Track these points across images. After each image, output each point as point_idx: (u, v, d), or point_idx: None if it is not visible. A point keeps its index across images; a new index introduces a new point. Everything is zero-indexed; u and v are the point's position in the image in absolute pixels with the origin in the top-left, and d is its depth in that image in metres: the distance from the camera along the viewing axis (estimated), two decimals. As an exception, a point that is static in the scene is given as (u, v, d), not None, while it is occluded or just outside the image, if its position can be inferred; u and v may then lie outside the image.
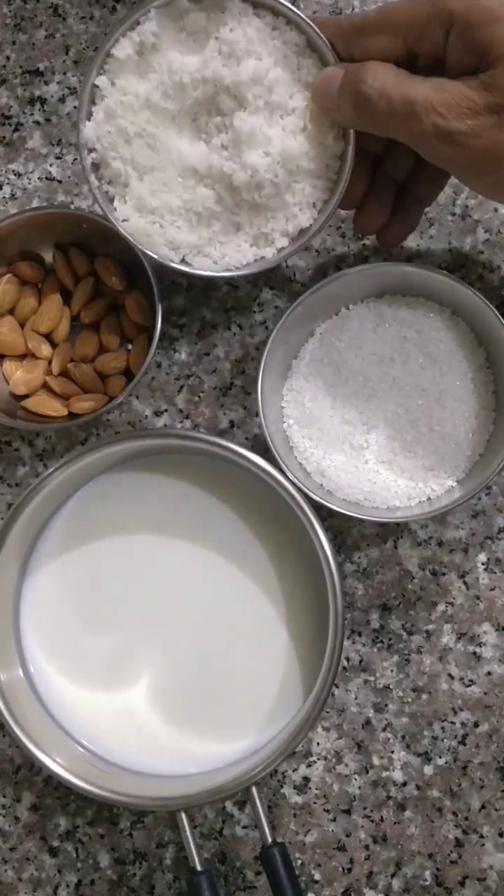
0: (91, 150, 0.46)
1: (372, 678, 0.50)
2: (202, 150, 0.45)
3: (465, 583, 0.50)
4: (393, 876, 0.49)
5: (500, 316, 0.46)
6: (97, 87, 0.45)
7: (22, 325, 0.53)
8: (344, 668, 0.50)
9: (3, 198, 0.56)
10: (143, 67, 0.45)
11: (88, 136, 0.45)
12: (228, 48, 0.44)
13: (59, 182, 0.56)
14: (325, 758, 0.50)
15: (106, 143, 0.45)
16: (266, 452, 0.46)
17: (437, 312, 0.49)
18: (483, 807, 0.49)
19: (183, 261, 0.47)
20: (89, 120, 0.45)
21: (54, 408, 0.51)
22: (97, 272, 0.52)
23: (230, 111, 0.45)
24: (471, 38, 0.39)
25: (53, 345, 0.52)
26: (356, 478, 0.48)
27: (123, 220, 0.46)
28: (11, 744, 0.51)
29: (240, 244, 0.47)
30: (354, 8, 0.55)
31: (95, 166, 0.46)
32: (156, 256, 0.46)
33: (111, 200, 0.46)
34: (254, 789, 0.44)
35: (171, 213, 0.46)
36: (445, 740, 0.49)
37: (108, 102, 0.45)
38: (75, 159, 0.56)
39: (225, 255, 0.47)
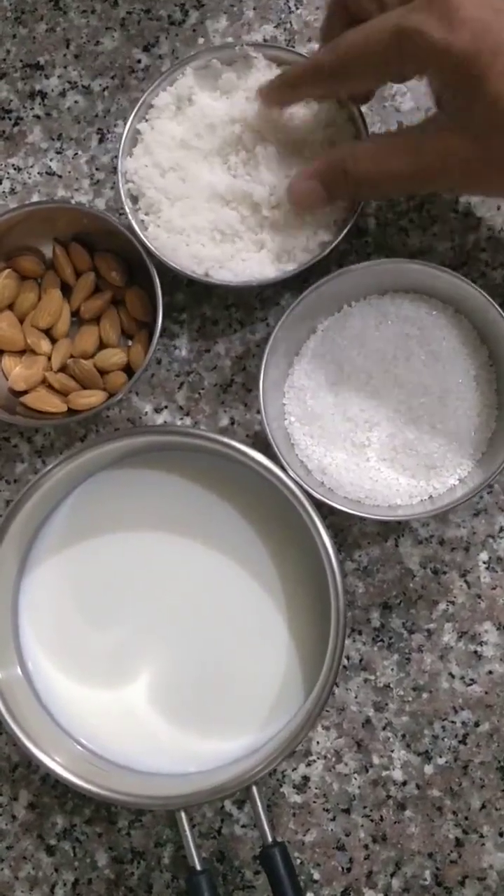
0: (129, 182, 0.50)
1: (372, 677, 0.50)
2: (228, 178, 0.49)
3: (466, 581, 0.50)
4: (393, 875, 0.49)
5: (502, 313, 0.46)
6: (138, 130, 0.50)
7: (21, 321, 0.52)
8: (344, 666, 0.50)
9: (3, 192, 0.55)
10: (179, 114, 0.51)
11: (128, 168, 0.50)
12: (254, 94, 0.49)
13: (60, 177, 0.55)
14: (325, 757, 0.50)
15: (143, 174, 0.50)
16: (267, 450, 0.46)
17: (440, 310, 0.49)
18: (483, 806, 0.49)
19: (206, 274, 0.49)
20: (130, 156, 0.50)
21: (53, 404, 0.51)
22: (97, 267, 0.52)
23: (254, 146, 0.49)
24: (443, 79, 0.40)
25: (53, 340, 0.52)
26: (357, 475, 0.48)
27: (153, 240, 0.49)
28: (9, 742, 0.51)
29: (262, 260, 0.49)
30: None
31: (132, 196, 0.50)
32: (181, 269, 0.49)
33: (145, 225, 0.50)
34: (254, 788, 0.43)
35: (197, 232, 0.49)
36: (446, 739, 0.49)
37: (147, 141, 0.50)
38: (76, 154, 0.55)
39: (247, 269, 0.49)
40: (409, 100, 0.54)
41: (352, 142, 0.47)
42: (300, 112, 0.49)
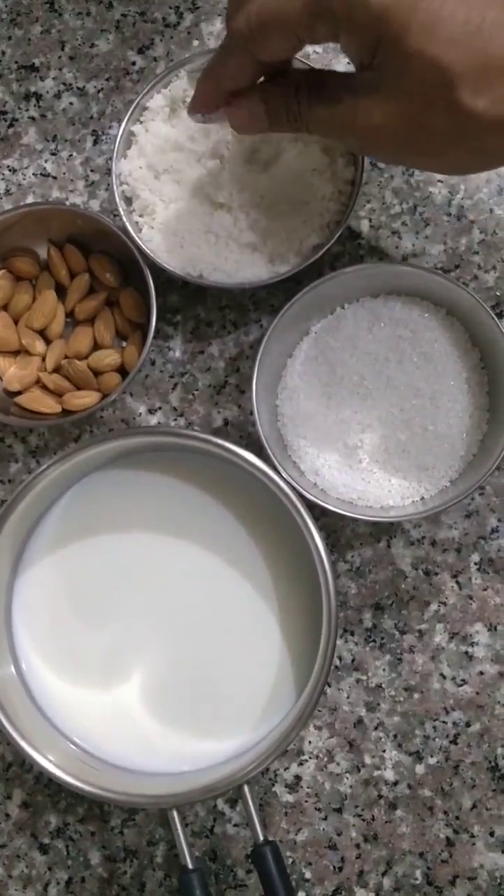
0: (123, 184, 0.50)
1: (364, 677, 0.50)
2: (221, 181, 0.49)
3: (457, 583, 0.50)
4: (384, 875, 0.49)
5: (494, 316, 0.46)
6: (132, 133, 0.50)
7: (16, 321, 0.52)
8: (336, 667, 0.50)
9: (-2, 193, 0.56)
10: (174, 117, 0.51)
11: (122, 170, 0.50)
12: None
13: (54, 178, 0.55)
14: (317, 756, 0.50)
15: (137, 176, 0.50)
16: (260, 451, 0.46)
17: (432, 312, 0.49)
18: (474, 806, 0.49)
19: (200, 276, 0.49)
20: (124, 158, 0.50)
21: (48, 404, 0.51)
22: (92, 268, 0.52)
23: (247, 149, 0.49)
24: (357, 40, 0.38)
25: (47, 341, 0.52)
26: (350, 477, 0.48)
27: (147, 241, 0.49)
28: (2, 741, 0.51)
29: (255, 262, 0.49)
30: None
31: (126, 198, 0.50)
32: (175, 271, 0.49)
33: (139, 227, 0.50)
34: (245, 787, 0.44)
35: (191, 234, 0.49)
36: (437, 740, 0.50)
37: (142, 144, 0.50)
38: (70, 155, 0.55)
39: (240, 271, 0.49)
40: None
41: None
42: None
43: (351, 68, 0.41)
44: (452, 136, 0.38)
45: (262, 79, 0.43)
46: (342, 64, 0.54)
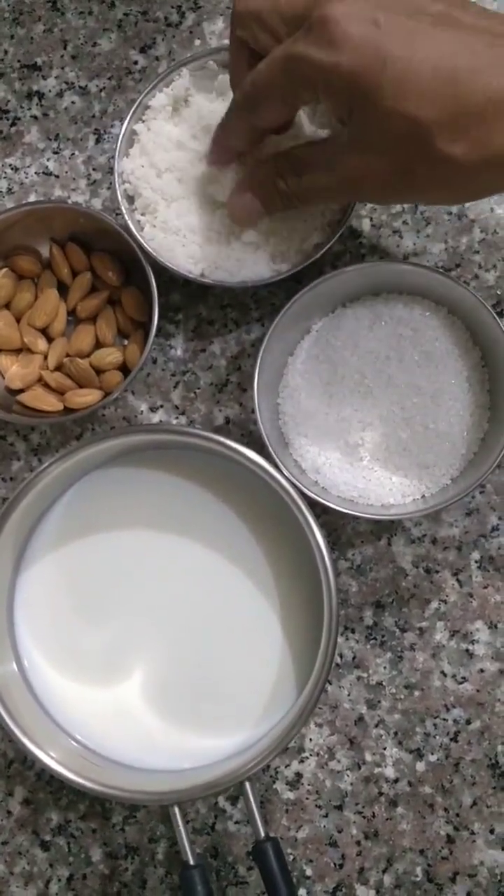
0: (125, 182, 0.50)
1: (365, 675, 0.50)
2: (223, 179, 0.49)
3: (458, 580, 0.51)
4: (384, 872, 0.49)
5: (495, 315, 0.46)
6: (135, 131, 0.50)
7: (18, 320, 0.52)
8: (337, 664, 0.50)
9: (1, 192, 0.56)
10: (176, 115, 0.51)
11: (124, 169, 0.50)
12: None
13: (56, 177, 0.56)
14: (318, 754, 0.50)
15: (139, 175, 0.50)
16: (262, 449, 0.46)
17: (433, 311, 0.49)
18: (474, 803, 0.49)
19: (201, 274, 0.49)
20: (126, 157, 0.50)
21: (50, 402, 0.51)
22: (94, 267, 0.52)
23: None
24: (333, 101, 0.39)
25: (49, 339, 0.52)
26: (351, 475, 0.48)
27: (149, 240, 0.49)
28: (4, 737, 0.51)
29: (257, 261, 0.49)
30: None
31: (129, 196, 0.50)
32: (177, 269, 0.49)
33: (141, 226, 0.50)
34: (247, 784, 0.44)
35: (193, 233, 0.49)
36: (437, 737, 0.50)
37: (144, 142, 0.50)
38: (73, 154, 0.56)
39: (242, 269, 0.49)
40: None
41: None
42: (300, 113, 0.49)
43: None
44: (436, 181, 0.39)
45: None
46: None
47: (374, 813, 0.49)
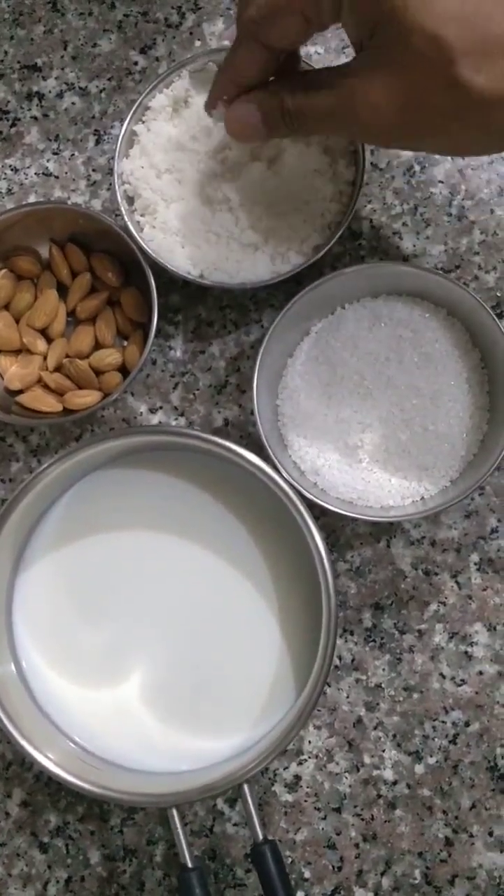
0: (125, 183, 0.50)
1: (364, 677, 0.50)
2: (223, 180, 0.49)
3: (457, 582, 0.50)
4: (383, 874, 0.49)
5: (495, 317, 0.46)
6: (134, 132, 0.50)
7: (17, 320, 0.52)
8: (336, 666, 0.50)
9: (0, 193, 0.56)
10: (176, 116, 0.51)
11: (124, 169, 0.50)
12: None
13: (56, 177, 0.56)
14: (317, 756, 0.50)
15: (139, 176, 0.50)
16: (261, 450, 0.46)
17: (433, 312, 0.49)
18: (473, 806, 0.49)
19: (201, 276, 0.49)
20: (126, 158, 0.50)
21: (49, 403, 0.51)
22: (93, 268, 0.52)
23: (248, 148, 0.49)
24: (357, 16, 0.38)
25: (49, 340, 0.52)
26: (350, 476, 0.48)
27: (149, 241, 0.49)
28: (2, 739, 0.51)
29: (256, 262, 0.49)
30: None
31: (128, 197, 0.50)
32: (176, 270, 0.49)
33: (141, 226, 0.50)
34: (245, 787, 0.44)
35: (193, 234, 0.49)
36: (436, 739, 0.50)
37: (144, 143, 0.50)
38: (72, 155, 0.56)
39: (242, 270, 0.49)
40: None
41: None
42: None
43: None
44: (453, 114, 0.37)
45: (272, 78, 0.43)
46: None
47: (372, 815, 0.49)
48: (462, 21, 0.35)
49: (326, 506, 0.46)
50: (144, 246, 0.49)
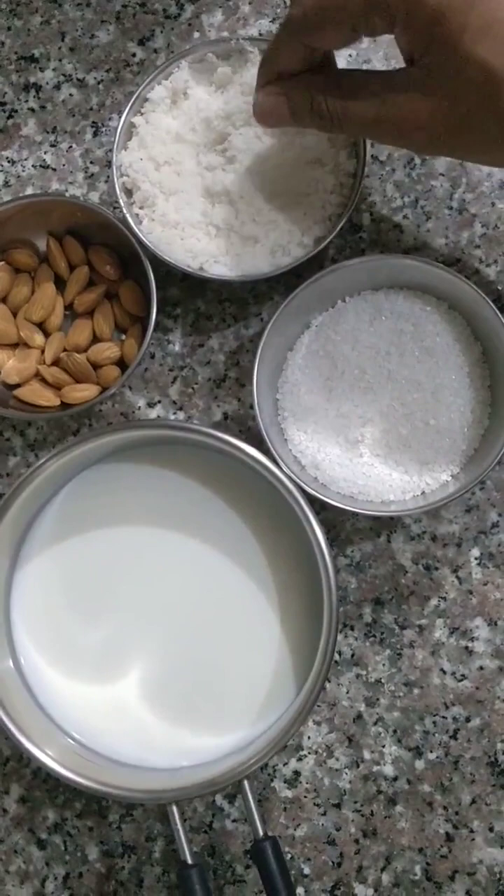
0: (123, 175, 0.50)
1: (364, 672, 0.50)
2: (222, 173, 0.49)
3: (458, 577, 0.50)
4: (383, 870, 0.49)
5: (496, 310, 0.46)
6: (133, 124, 0.50)
7: (14, 314, 0.52)
8: (336, 661, 0.50)
9: (-3, 185, 0.55)
10: (174, 108, 0.51)
11: (122, 162, 0.50)
12: (249, 88, 0.48)
13: (54, 170, 0.55)
14: (316, 752, 0.50)
15: (137, 168, 0.50)
16: (260, 445, 0.46)
17: (434, 306, 0.49)
18: (473, 801, 0.49)
19: (200, 269, 0.49)
20: (125, 150, 0.50)
21: (46, 397, 0.51)
22: (91, 261, 0.52)
23: (248, 141, 0.49)
24: (411, 36, 0.38)
25: (46, 334, 0.52)
26: (351, 471, 0.48)
27: (147, 234, 0.49)
28: (0, 735, 0.51)
29: (256, 255, 0.49)
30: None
31: (127, 189, 0.50)
32: (176, 263, 0.49)
33: (139, 219, 0.50)
34: (245, 783, 0.43)
35: (192, 226, 0.49)
36: (437, 735, 0.49)
37: (142, 135, 0.50)
38: (70, 147, 0.55)
39: (242, 263, 0.49)
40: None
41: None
42: None
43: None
44: (497, 139, 0.38)
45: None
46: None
47: (372, 811, 0.49)
48: None
49: (327, 500, 0.46)
50: (143, 238, 0.49)
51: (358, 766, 0.50)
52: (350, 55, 0.54)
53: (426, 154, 0.51)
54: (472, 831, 0.49)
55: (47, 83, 0.56)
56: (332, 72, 0.43)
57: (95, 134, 0.55)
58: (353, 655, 0.50)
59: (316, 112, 0.42)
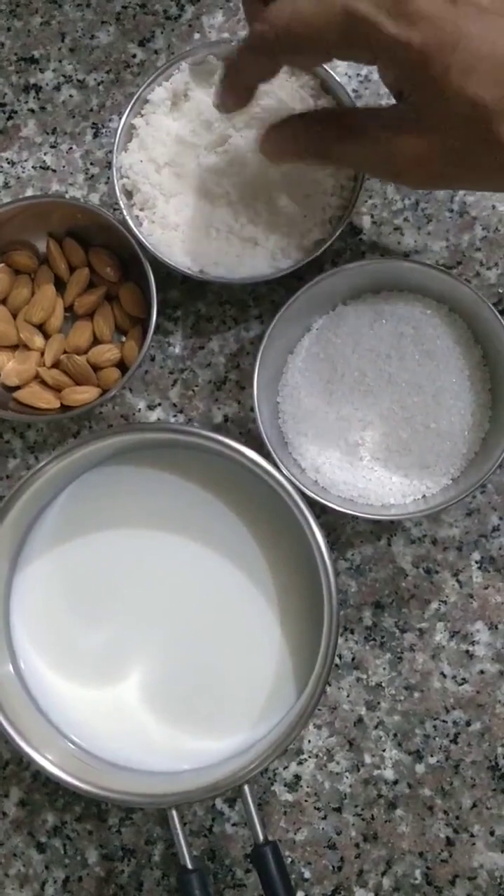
0: (124, 177, 0.50)
1: (364, 676, 0.50)
2: (223, 175, 0.49)
3: (458, 581, 0.50)
4: (383, 874, 0.49)
5: (497, 313, 0.46)
6: (133, 126, 0.50)
7: (14, 316, 0.52)
8: (336, 665, 0.50)
9: (-3, 186, 0.55)
10: (175, 110, 0.50)
11: (123, 163, 0.50)
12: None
13: (54, 171, 0.55)
14: (317, 756, 0.50)
15: (138, 170, 0.49)
16: (261, 448, 0.46)
17: (435, 309, 0.49)
18: (474, 805, 0.49)
19: (200, 271, 0.49)
20: (125, 151, 0.50)
21: (46, 400, 0.50)
22: (91, 263, 0.52)
23: (248, 143, 0.48)
24: (395, 73, 0.39)
25: (46, 336, 0.52)
26: (351, 474, 0.48)
27: (148, 236, 0.49)
28: (0, 739, 0.51)
29: (257, 257, 0.49)
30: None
31: (127, 191, 0.50)
32: (176, 266, 0.48)
33: (140, 221, 0.50)
34: (245, 787, 0.43)
35: (192, 229, 0.49)
36: (437, 739, 0.49)
37: (143, 136, 0.50)
38: (70, 148, 0.55)
39: (242, 266, 0.49)
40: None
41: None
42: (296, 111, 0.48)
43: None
44: (496, 167, 0.39)
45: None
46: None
47: (373, 815, 0.49)
48: (499, 84, 0.36)
49: (327, 504, 0.46)
50: (143, 240, 0.49)
51: (358, 770, 0.49)
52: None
53: (424, 189, 0.51)
54: (472, 835, 0.49)
55: (47, 84, 0.56)
56: (321, 112, 0.44)
57: (96, 135, 0.55)
58: (353, 659, 0.50)
59: (320, 157, 0.43)
